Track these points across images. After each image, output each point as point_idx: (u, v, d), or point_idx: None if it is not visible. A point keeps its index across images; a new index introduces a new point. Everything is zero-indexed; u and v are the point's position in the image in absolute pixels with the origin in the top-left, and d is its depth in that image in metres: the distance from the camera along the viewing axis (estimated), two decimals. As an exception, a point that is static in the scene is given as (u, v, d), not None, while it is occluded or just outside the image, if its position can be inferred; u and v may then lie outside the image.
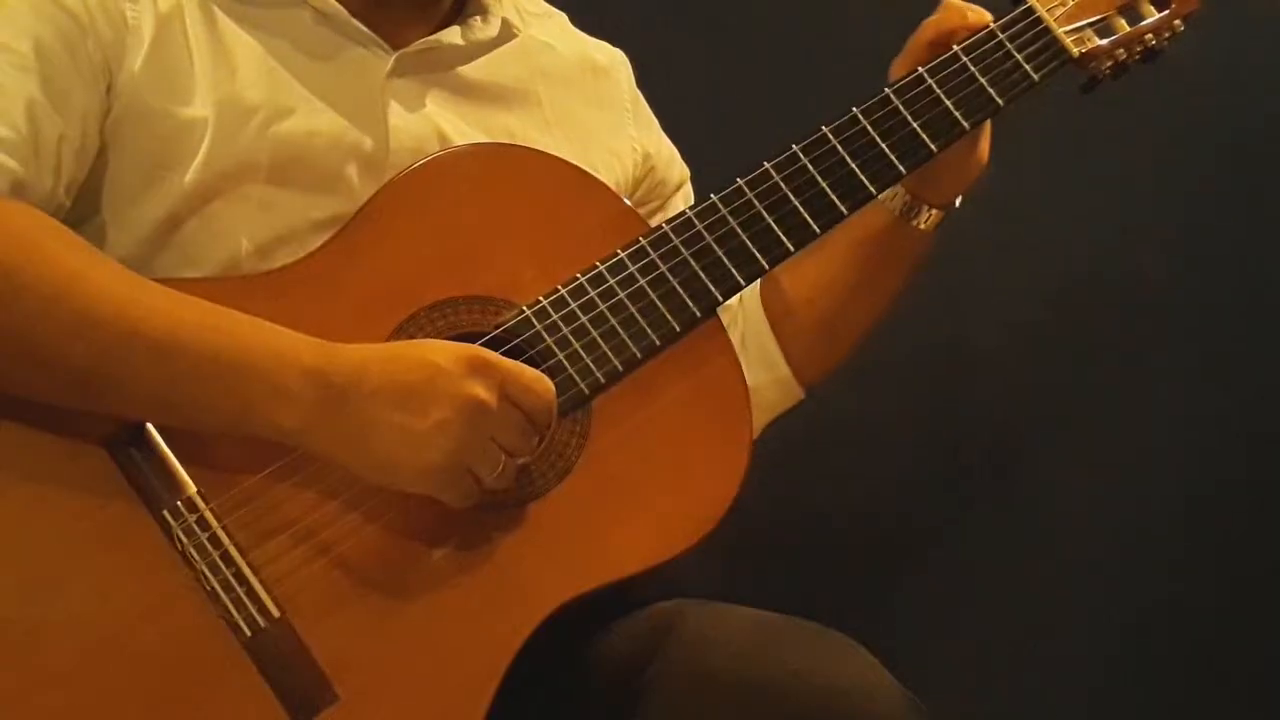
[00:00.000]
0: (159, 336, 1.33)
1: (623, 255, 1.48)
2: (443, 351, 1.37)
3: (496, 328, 1.44)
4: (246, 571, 1.34)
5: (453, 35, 1.58)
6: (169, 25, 1.48)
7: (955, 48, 1.57)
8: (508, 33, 1.63)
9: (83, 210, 1.46)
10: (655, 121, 1.75)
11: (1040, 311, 2.17)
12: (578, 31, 1.73)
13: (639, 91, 1.74)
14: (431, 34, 1.57)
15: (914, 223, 1.66)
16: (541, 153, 1.55)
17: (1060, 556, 2.20)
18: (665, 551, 1.44)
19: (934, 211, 1.66)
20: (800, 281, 1.70)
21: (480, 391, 1.34)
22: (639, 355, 1.46)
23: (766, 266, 1.50)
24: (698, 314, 1.49)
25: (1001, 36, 1.58)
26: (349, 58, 1.54)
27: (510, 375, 1.37)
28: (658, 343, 1.47)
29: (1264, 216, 2.19)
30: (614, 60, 1.74)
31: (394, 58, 1.54)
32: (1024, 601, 2.21)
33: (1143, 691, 2.23)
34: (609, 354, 1.46)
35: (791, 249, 1.51)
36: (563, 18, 1.73)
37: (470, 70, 1.60)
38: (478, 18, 1.61)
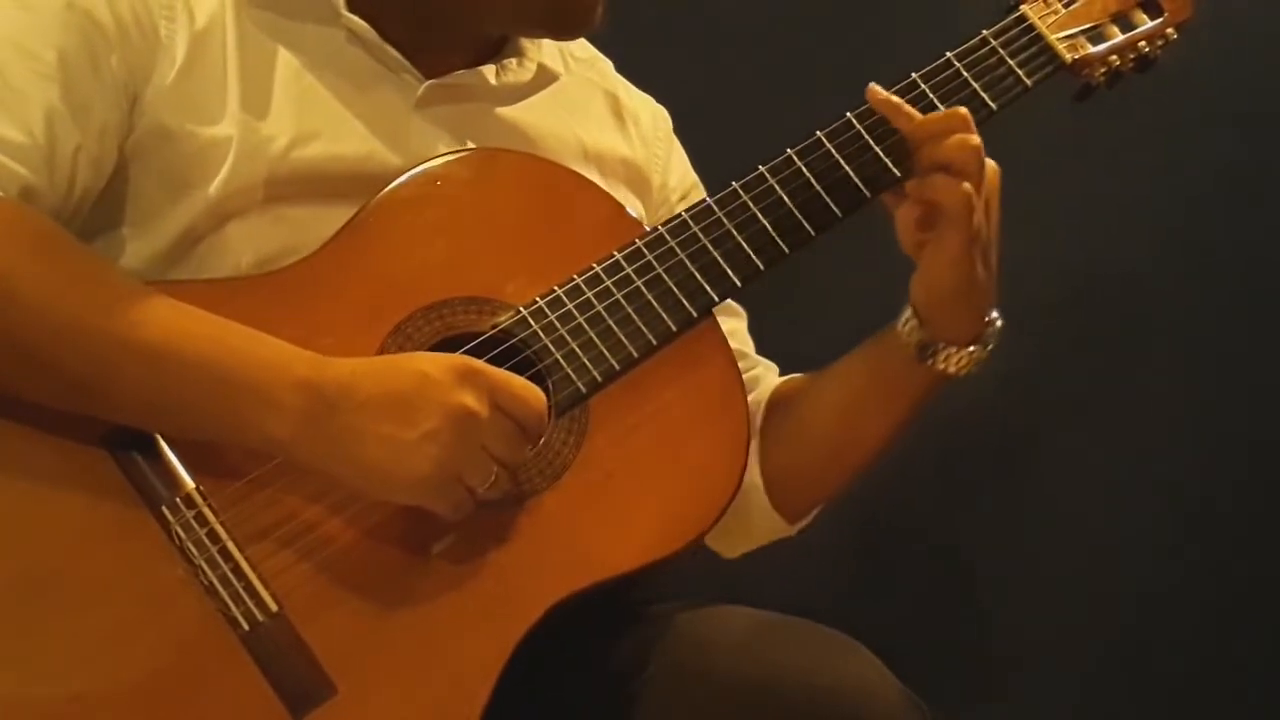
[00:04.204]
0: (153, 345, 1.34)
1: (619, 256, 1.48)
2: (432, 361, 1.37)
3: (493, 328, 1.45)
4: (244, 566, 1.34)
5: (486, 74, 1.58)
6: (206, 42, 1.48)
7: (949, 54, 1.58)
8: (546, 77, 1.63)
9: (104, 221, 1.47)
10: (690, 171, 1.75)
11: (1040, 312, 2.18)
12: (622, 79, 1.74)
13: (676, 141, 1.75)
14: (466, 67, 1.58)
15: (932, 363, 1.55)
16: (536, 156, 1.56)
17: (1060, 556, 2.20)
18: (662, 549, 1.44)
19: (956, 351, 1.55)
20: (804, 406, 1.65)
21: (469, 400, 1.34)
22: (635, 355, 1.47)
23: (762, 268, 1.51)
24: (694, 314, 1.49)
25: (994, 43, 1.59)
26: (379, 82, 1.55)
27: (500, 384, 1.36)
28: (654, 342, 1.47)
29: (1264, 217, 2.20)
30: (655, 114, 1.74)
31: (424, 87, 1.55)
32: (1024, 601, 2.21)
33: (1142, 691, 2.23)
34: (605, 353, 1.46)
35: (786, 251, 1.51)
36: (607, 64, 1.73)
37: (502, 111, 1.60)
38: (514, 60, 1.61)
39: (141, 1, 1.46)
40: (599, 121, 1.69)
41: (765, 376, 1.69)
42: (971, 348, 1.55)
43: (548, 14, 1.56)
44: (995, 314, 1.57)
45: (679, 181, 1.72)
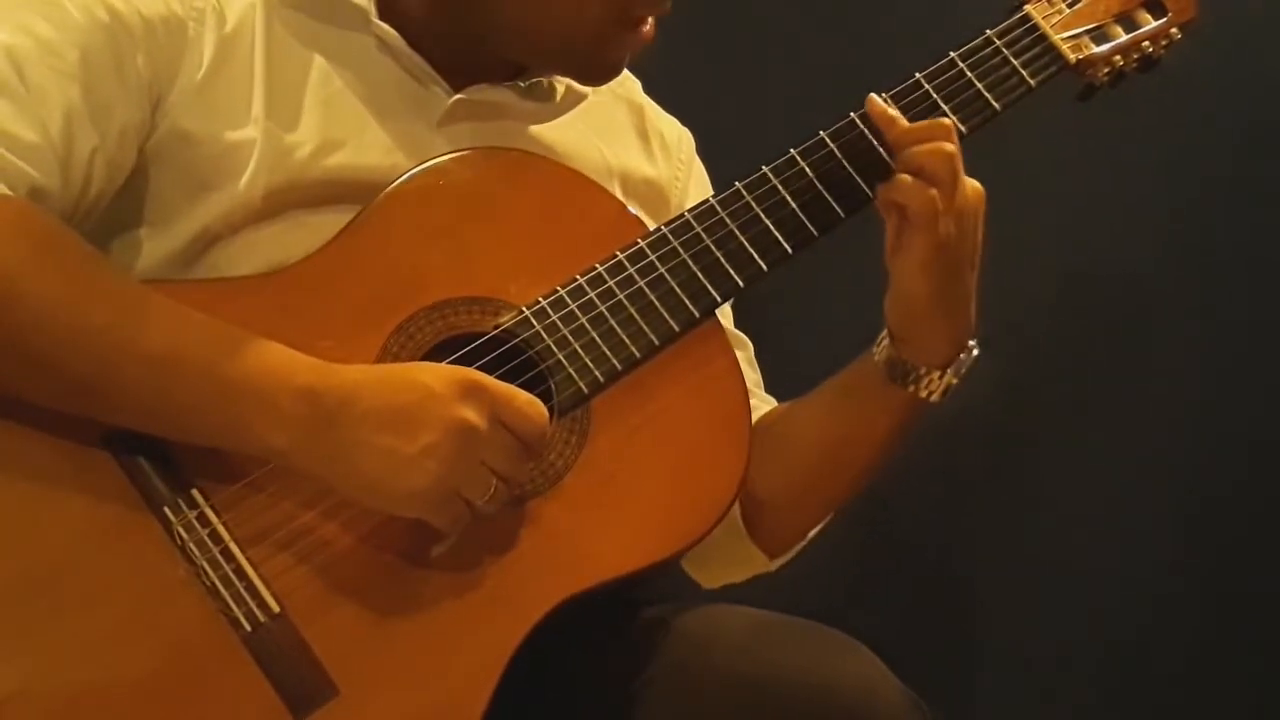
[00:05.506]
0: (156, 350, 1.33)
1: (621, 257, 1.48)
2: (435, 374, 1.36)
3: (495, 328, 1.45)
4: (246, 567, 1.34)
5: (513, 91, 1.58)
6: (234, 44, 1.48)
7: (952, 54, 1.58)
8: (573, 97, 1.62)
9: (121, 219, 1.47)
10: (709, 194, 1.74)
11: (1040, 312, 2.19)
12: (648, 99, 1.73)
13: (698, 163, 1.74)
14: (495, 82, 1.57)
15: (909, 388, 1.53)
16: (540, 156, 1.56)
17: (1059, 557, 2.21)
18: (663, 551, 1.44)
19: (926, 373, 1.53)
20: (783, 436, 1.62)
21: (470, 415, 1.34)
22: (638, 355, 1.47)
23: (765, 268, 1.51)
24: (696, 315, 1.49)
25: (998, 43, 1.59)
26: (406, 93, 1.54)
27: (502, 399, 1.36)
28: (656, 343, 1.47)
29: (1266, 217, 2.21)
30: (680, 135, 1.74)
31: (451, 101, 1.54)
32: (1024, 601, 2.22)
33: (1142, 691, 2.24)
34: (608, 353, 1.46)
35: (790, 251, 1.52)
36: (635, 83, 1.72)
37: (529, 130, 1.60)
38: (542, 80, 1.60)
39: (170, 1, 1.46)
40: (624, 140, 1.68)
41: (759, 409, 1.66)
42: (942, 372, 1.53)
43: (576, 63, 1.56)
44: (973, 343, 1.54)
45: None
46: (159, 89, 1.45)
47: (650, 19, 1.53)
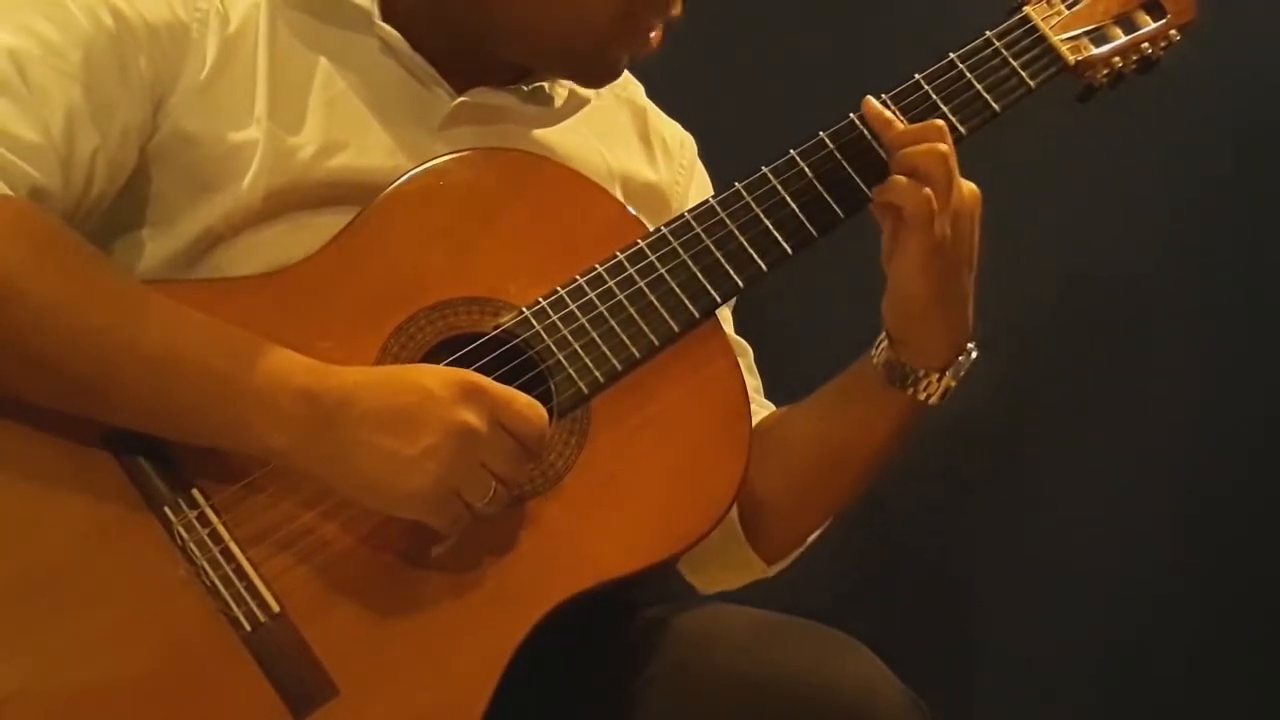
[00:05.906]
0: (156, 350, 1.34)
1: (621, 257, 1.48)
2: (435, 376, 1.36)
3: (495, 328, 1.45)
4: (246, 567, 1.35)
5: (516, 94, 1.58)
6: (237, 45, 1.48)
7: (952, 55, 1.58)
8: (575, 101, 1.62)
9: (124, 220, 1.47)
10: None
11: (1040, 312, 2.19)
12: (650, 104, 1.73)
13: (700, 167, 1.74)
14: (498, 86, 1.57)
15: (908, 390, 1.54)
16: (541, 157, 1.56)
17: (1059, 557, 2.21)
18: (663, 551, 1.44)
19: (924, 375, 1.54)
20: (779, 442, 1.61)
21: (470, 417, 1.34)
22: (638, 355, 1.47)
23: (765, 269, 1.51)
24: (696, 315, 1.49)
25: (998, 44, 1.60)
26: (409, 96, 1.54)
27: (502, 401, 1.36)
28: (656, 343, 1.48)
29: (1265, 218, 2.21)
30: (682, 140, 1.74)
31: (454, 103, 1.54)
32: (1024, 601, 2.22)
33: (1142, 691, 2.24)
34: (608, 354, 1.46)
35: (789, 251, 1.52)
36: (638, 88, 1.73)
37: (531, 134, 1.60)
38: (544, 84, 1.61)
39: (174, 2, 1.46)
40: (625, 144, 1.68)
41: (758, 414, 1.65)
42: (941, 375, 1.53)
43: (576, 66, 1.56)
44: (971, 346, 1.54)
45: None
46: (161, 90, 1.45)
47: (659, 27, 1.54)
